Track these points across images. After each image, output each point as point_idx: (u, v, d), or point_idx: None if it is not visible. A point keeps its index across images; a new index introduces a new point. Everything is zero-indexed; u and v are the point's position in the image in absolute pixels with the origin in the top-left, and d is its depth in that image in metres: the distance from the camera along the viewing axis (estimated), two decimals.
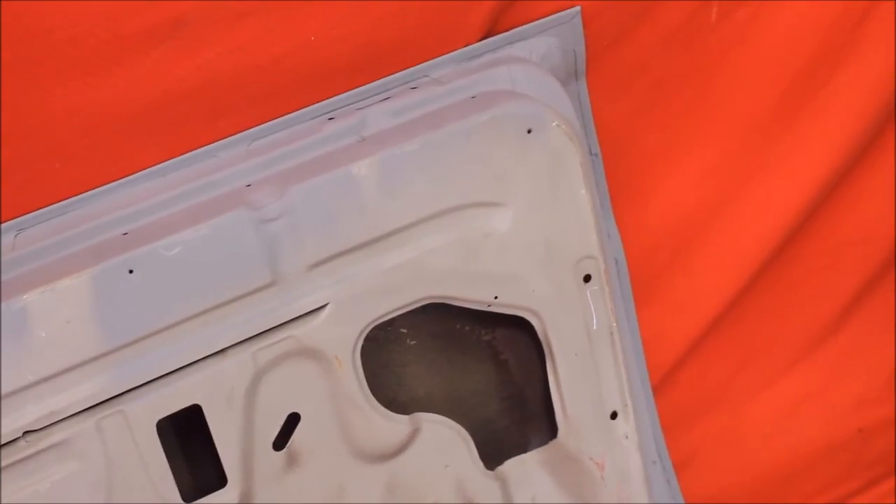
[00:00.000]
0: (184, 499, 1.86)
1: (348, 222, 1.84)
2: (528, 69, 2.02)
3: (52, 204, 1.85)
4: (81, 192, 1.87)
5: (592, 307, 1.99)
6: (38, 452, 1.77)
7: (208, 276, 1.79)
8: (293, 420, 1.88)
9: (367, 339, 1.89)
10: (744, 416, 2.63)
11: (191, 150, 1.90)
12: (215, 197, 1.85)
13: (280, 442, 1.88)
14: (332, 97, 1.97)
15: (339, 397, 1.89)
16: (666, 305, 2.36)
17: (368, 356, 1.91)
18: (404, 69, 1.99)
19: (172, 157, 1.89)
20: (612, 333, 2.02)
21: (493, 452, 2.07)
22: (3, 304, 1.71)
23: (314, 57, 1.89)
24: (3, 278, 1.76)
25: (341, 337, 1.86)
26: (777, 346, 2.58)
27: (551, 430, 2.06)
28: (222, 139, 1.91)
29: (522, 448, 2.09)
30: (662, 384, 2.40)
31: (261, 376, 1.84)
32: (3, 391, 1.73)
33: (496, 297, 1.94)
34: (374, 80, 1.99)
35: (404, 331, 2.03)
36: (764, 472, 2.68)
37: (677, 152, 2.28)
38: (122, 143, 1.86)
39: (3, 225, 1.82)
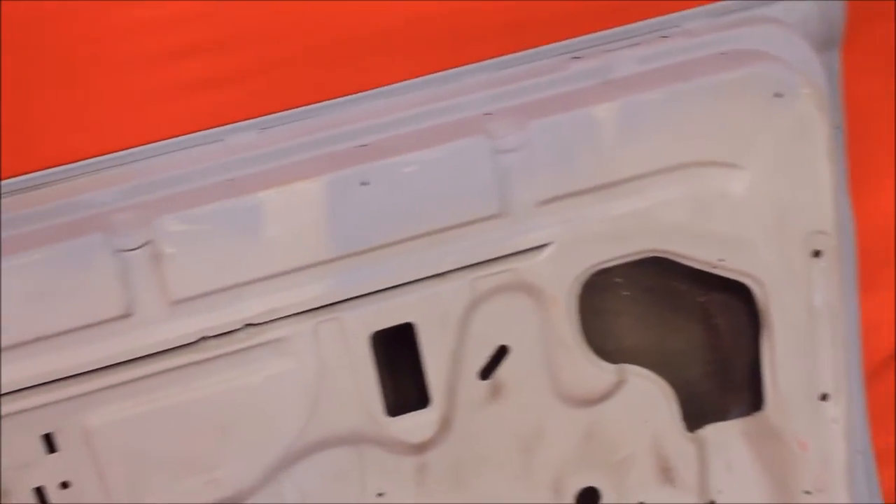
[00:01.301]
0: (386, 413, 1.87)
1: (583, 164, 1.82)
2: (783, 32, 1.95)
3: (297, 107, 1.87)
4: (324, 100, 1.88)
5: (818, 283, 1.93)
6: (256, 346, 1.81)
7: (439, 198, 1.80)
8: (502, 352, 1.88)
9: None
10: None
11: (435, 72, 1.89)
12: (454, 121, 1.86)
13: (486, 372, 1.89)
14: (579, 36, 1.93)
15: (550, 337, 1.88)
16: (889, 295, 2.26)
17: (581, 301, 1.89)
18: (655, 17, 1.94)
19: (416, 77, 1.89)
20: (833, 313, 1.96)
21: (691, 415, 2.03)
22: (238, 199, 1.75)
23: None
24: (244, 173, 1.80)
25: (561, 277, 1.85)
26: None
27: (755, 402, 2.01)
28: (466, 65, 1.90)
29: (721, 415, 2.05)
30: (874, 375, 2.32)
31: (476, 304, 1.84)
32: (228, 282, 1.78)
33: (721, 260, 1.90)
34: (623, 25, 1.94)
35: (619, 280, 2.01)
36: None
37: None
38: (371, 56, 1.88)
39: (247, 122, 1.86)
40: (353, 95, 1.89)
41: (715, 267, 1.89)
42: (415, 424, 1.88)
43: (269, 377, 1.82)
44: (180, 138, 1.86)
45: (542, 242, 1.83)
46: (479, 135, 1.79)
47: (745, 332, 2.01)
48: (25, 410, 1.77)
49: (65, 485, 1.81)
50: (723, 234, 1.87)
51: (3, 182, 1.83)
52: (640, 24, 1.93)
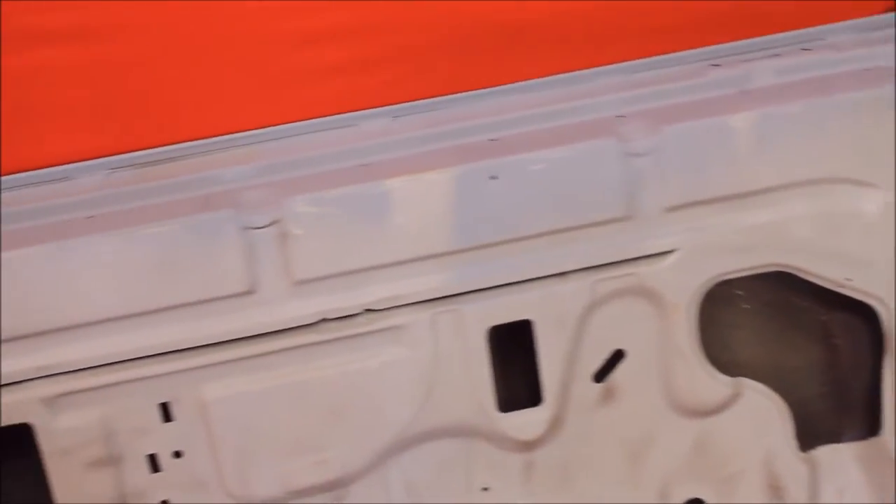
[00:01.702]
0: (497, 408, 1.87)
1: (715, 172, 1.80)
2: None
3: (431, 97, 1.88)
4: (458, 92, 1.89)
5: None
6: (374, 331, 1.82)
7: (566, 197, 1.79)
8: (617, 356, 1.87)
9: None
10: None
11: (571, 71, 1.88)
12: (587, 121, 1.85)
13: (600, 375, 1.88)
14: (718, 44, 1.91)
15: (667, 344, 1.87)
16: None
17: (700, 310, 1.87)
18: (798, 29, 1.91)
19: (552, 75, 1.88)
20: None
21: (804, 434, 2.00)
22: (368, 185, 1.77)
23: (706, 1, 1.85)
24: (375, 159, 1.81)
25: (683, 285, 1.83)
26: None
27: (871, 427, 1.97)
28: (601, 66, 1.89)
29: (835, 437, 2.02)
30: None
31: (595, 306, 1.83)
32: (351, 266, 1.80)
33: (847, 279, 1.86)
34: (764, 35, 1.91)
35: (740, 293, 1.99)
36: None
37: None
38: (508, 51, 1.87)
39: (381, 109, 1.87)
40: (486, 90, 1.88)
41: (841, 286, 1.85)
42: (525, 422, 1.88)
43: (385, 363, 1.83)
44: (315, 121, 1.88)
45: (667, 249, 1.81)
46: (611, 137, 1.78)
47: (866, 354, 1.97)
48: (145, 378, 1.79)
49: (177, 454, 1.84)
50: (852, 253, 1.84)
51: (142, 153, 1.85)
52: (783, 35, 1.90)
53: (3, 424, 1.78)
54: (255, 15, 1.81)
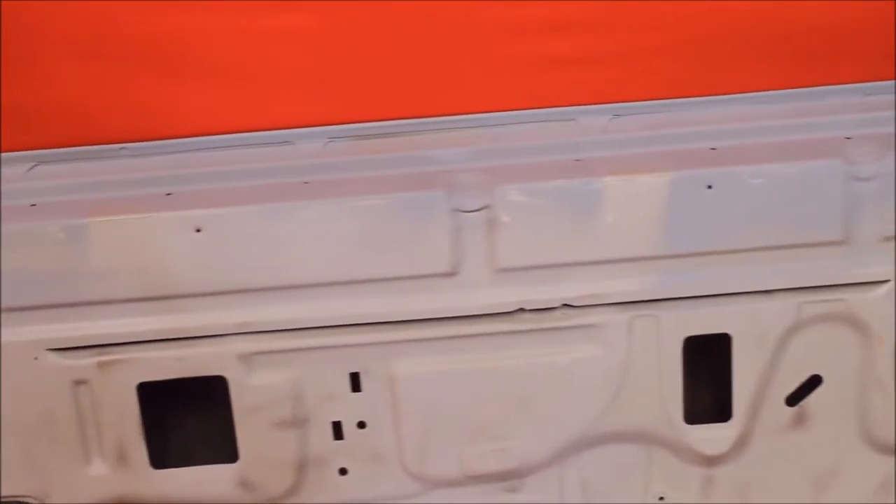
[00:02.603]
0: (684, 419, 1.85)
1: None
2: None
3: (651, 100, 1.86)
4: (680, 97, 1.86)
5: None
6: (569, 327, 1.81)
7: (782, 215, 1.76)
8: (814, 382, 1.83)
9: None
10: None
11: (800, 87, 1.84)
12: (811, 139, 1.81)
13: (794, 398, 1.84)
14: None
15: (868, 375, 1.83)
16: None
17: None
18: None
19: (780, 89, 1.85)
20: None
21: None
22: (582, 180, 1.77)
23: None
24: (591, 156, 1.80)
25: (892, 318, 1.78)
26: None
27: None
28: (833, 84, 1.85)
29: None
30: None
31: (798, 328, 1.80)
32: (555, 260, 1.81)
33: None
34: None
35: None
36: None
37: None
38: (737, 61, 1.85)
39: (602, 106, 1.85)
40: (711, 97, 1.85)
41: None
42: (711, 436, 1.86)
43: (576, 360, 1.82)
44: (534, 111, 1.87)
45: (880, 279, 1.77)
46: (837, 158, 1.73)
47: None
48: (339, 346, 1.81)
49: (361, 424, 1.86)
50: None
51: (361, 125, 1.87)
52: None
53: (199, 375, 1.81)
54: (488, 3, 1.81)
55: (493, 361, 1.84)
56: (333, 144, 1.89)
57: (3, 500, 1.90)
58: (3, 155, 1.89)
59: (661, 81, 1.85)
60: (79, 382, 1.81)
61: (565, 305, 1.81)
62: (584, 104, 1.87)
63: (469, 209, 1.76)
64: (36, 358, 1.80)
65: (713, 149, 1.80)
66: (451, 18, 1.82)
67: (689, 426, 1.85)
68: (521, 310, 1.81)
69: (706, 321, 1.80)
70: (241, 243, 1.77)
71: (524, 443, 1.87)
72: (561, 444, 1.87)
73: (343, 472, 1.88)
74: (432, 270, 1.79)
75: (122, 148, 1.90)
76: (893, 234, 1.76)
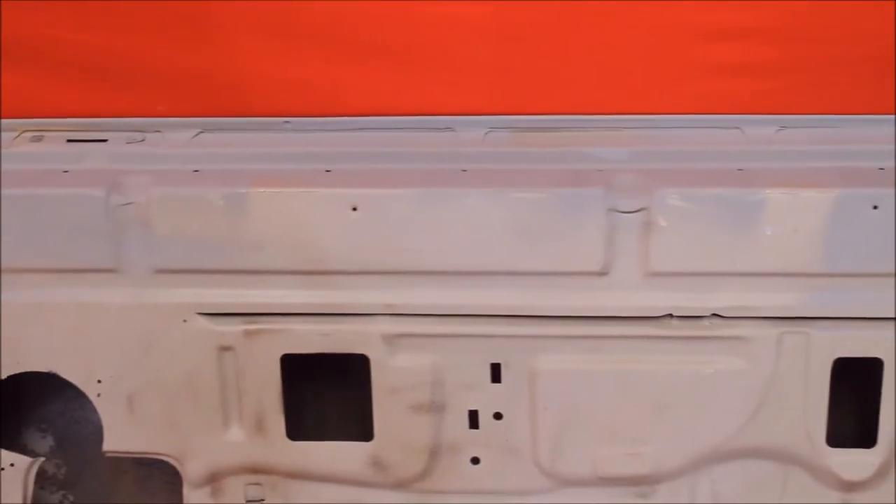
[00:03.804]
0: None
1: None
2: None
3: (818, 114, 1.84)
4: (848, 113, 1.84)
5: None
6: (716, 337, 1.79)
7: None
8: None
9: None
10: None
11: None
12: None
13: None
14: None
15: None
16: None
17: None
18: None
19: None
20: None
21: None
22: (744, 190, 1.75)
23: None
24: (755, 165, 1.78)
25: None
26: None
27: None
28: None
29: None
30: None
31: None
32: (707, 268, 1.79)
33: None
34: None
35: None
36: None
37: None
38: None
39: (767, 117, 1.83)
40: (879, 116, 1.81)
41: None
42: (853, 461, 1.83)
43: (720, 371, 1.80)
44: (698, 116, 1.86)
45: None
46: None
47: None
48: (483, 336, 1.82)
49: (497, 416, 1.86)
50: None
51: (521, 118, 1.87)
52: None
53: (342, 352, 1.83)
54: (663, 4, 1.79)
55: (635, 365, 1.83)
56: (494, 134, 1.89)
57: (141, 455, 1.93)
58: (170, 120, 1.92)
59: (832, 96, 1.82)
60: (225, 348, 1.84)
61: (714, 315, 1.79)
62: (751, 113, 1.83)
63: (626, 210, 1.76)
64: (185, 320, 1.83)
65: (881, 168, 1.76)
66: (626, 18, 1.81)
67: (831, 449, 1.82)
68: (670, 315, 1.80)
69: (858, 343, 1.77)
70: (395, 225, 1.78)
71: (659, 449, 1.86)
72: (696, 454, 1.85)
73: (475, 461, 1.88)
74: (583, 268, 1.78)
75: (286, 122, 1.93)
76: None
